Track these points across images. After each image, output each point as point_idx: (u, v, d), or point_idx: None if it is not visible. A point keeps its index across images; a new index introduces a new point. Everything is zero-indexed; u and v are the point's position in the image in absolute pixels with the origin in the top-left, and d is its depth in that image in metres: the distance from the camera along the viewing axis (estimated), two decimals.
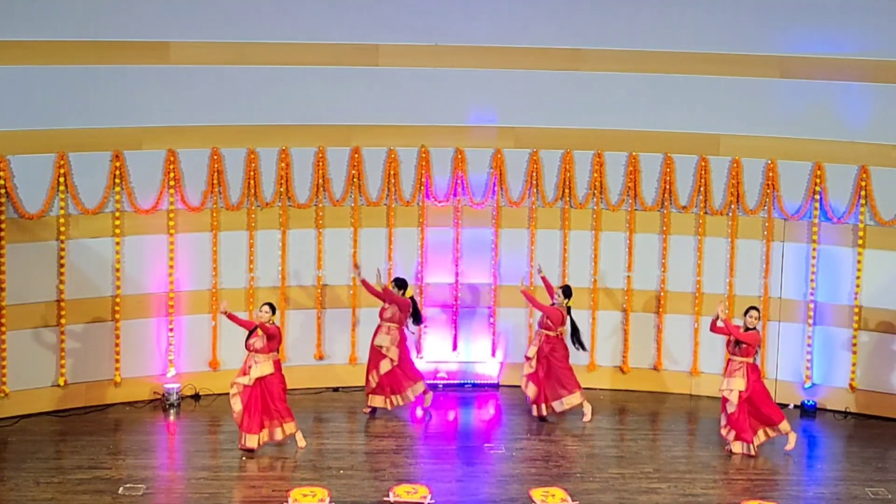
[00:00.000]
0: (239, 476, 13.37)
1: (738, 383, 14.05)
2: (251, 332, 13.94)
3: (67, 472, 13.37)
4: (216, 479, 13.24)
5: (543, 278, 15.45)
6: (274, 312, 14.01)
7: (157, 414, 15.34)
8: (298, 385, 15.78)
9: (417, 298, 15.81)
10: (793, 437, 14.21)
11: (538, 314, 15.45)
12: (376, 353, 15.17)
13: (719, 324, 14.19)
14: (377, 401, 15.20)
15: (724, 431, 14.24)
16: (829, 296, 15.69)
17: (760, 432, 14.24)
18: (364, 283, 15.29)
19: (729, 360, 14.24)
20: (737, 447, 14.14)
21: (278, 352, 14.14)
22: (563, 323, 15.10)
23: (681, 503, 12.88)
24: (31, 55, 14.61)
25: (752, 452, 14.09)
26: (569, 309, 15.16)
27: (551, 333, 15.09)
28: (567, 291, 15.17)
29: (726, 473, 13.74)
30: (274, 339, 13.89)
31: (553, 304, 15.20)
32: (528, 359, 15.22)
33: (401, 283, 15.22)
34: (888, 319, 15.41)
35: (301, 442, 14.11)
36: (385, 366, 15.08)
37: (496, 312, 16.42)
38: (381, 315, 15.25)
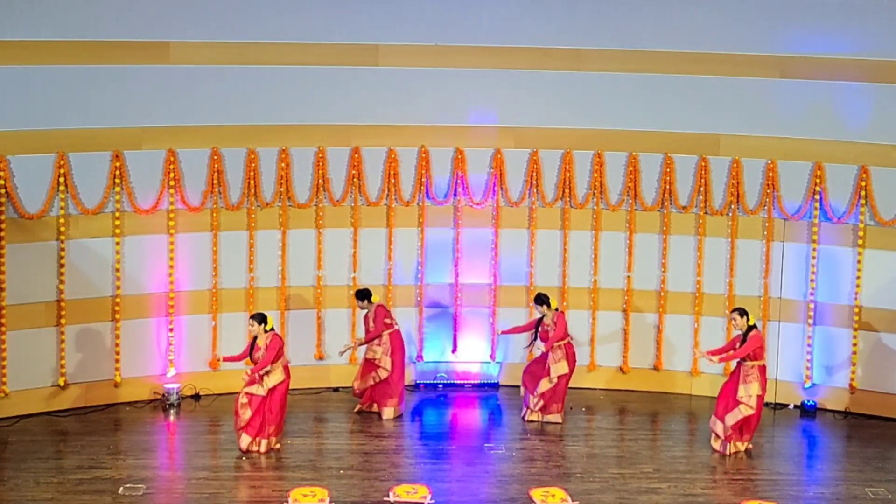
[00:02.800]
0: (239, 476, 13.37)
1: (756, 388, 14.05)
2: (252, 349, 13.97)
3: (67, 472, 13.37)
4: (216, 479, 13.25)
5: (507, 332, 15.37)
6: (261, 322, 13.95)
7: (157, 414, 15.34)
8: (298, 385, 15.73)
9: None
10: None
11: (537, 314, 15.40)
12: (368, 364, 15.26)
13: (715, 360, 14.25)
14: (366, 406, 15.33)
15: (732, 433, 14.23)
16: (829, 296, 15.69)
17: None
18: (362, 342, 15.26)
19: (740, 365, 14.19)
20: (737, 447, 14.17)
21: (285, 356, 14.20)
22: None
23: (681, 503, 12.88)
24: (31, 55, 14.61)
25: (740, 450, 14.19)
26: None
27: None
28: (542, 299, 15.08)
29: (726, 473, 13.74)
30: (271, 350, 13.88)
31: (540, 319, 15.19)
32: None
33: (364, 295, 15.15)
34: (888, 319, 15.42)
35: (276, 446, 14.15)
36: (375, 378, 15.17)
37: (496, 312, 16.42)
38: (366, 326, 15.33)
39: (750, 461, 14.05)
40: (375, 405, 15.28)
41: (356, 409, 15.36)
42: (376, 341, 15.11)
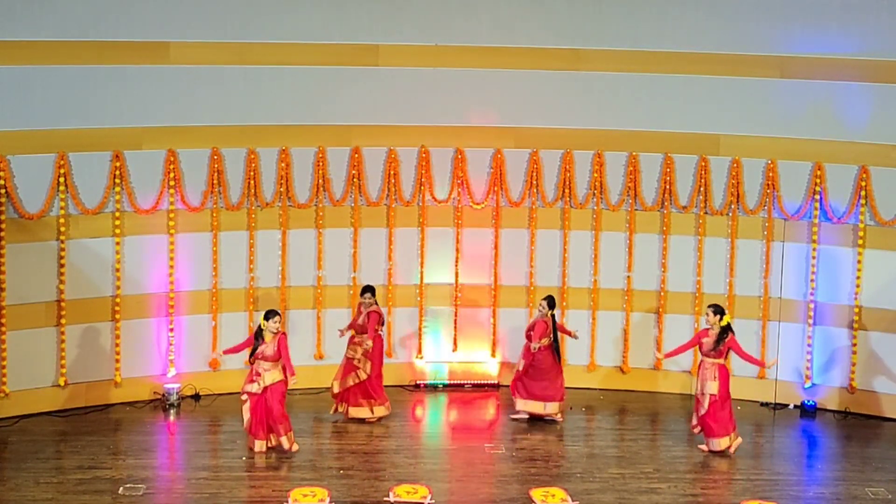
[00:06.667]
0: (239, 476, 13.37)
1: (713, 387, 14.05)
2: (257, 343, 13.92)
3: (67, 472, 13.37)
4: (216, 479, 13.25)
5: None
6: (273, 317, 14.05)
7: (157, 414, 15.35)
8: (298, 385, 15.71)
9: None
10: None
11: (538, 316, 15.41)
12: (348, 364, 15.11)
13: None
14: (340, 407, 15.15)
15: (696, 430, 14.32)
16: (829, 296, 15.70)
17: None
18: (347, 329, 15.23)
19: (702, 361, 14.26)
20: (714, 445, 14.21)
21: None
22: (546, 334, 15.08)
23: (681, 503, 12.89)
24: (31, 55, 14.61)
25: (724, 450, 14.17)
26: (553, 317, 15.12)
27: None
28: (551, 302, 15.14)
29: (726, 473, 13.75)
30: (286, 349, 13.97)
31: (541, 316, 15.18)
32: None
33: (370, 289, 15.06)
34: (888, 319, 15.42)
35: (294, 446, 14.06)
36: (354, 379, 14.99)
37: (496, 312, 16.42)
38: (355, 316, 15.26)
39: (750, 461, 14.05)
40: (344, 403, 15.11)
41: (333, 411, 15.17)
42: (357, 340, 15.03)
